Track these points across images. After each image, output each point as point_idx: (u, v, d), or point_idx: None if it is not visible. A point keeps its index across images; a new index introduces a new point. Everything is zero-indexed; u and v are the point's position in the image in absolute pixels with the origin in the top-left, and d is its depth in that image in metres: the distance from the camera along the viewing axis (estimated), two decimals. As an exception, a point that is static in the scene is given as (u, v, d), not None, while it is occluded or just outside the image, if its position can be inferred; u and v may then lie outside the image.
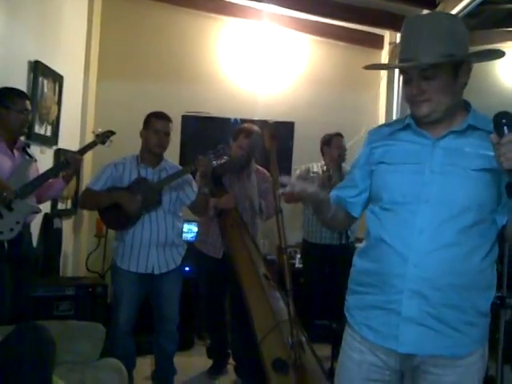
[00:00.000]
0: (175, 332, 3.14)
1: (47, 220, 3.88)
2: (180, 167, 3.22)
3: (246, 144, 3.46)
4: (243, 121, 4.72)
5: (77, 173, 3.13)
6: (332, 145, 4.08)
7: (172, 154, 4.35)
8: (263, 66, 4.94)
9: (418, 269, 1.43)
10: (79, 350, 2.34)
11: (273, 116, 4.75)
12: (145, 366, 3.37)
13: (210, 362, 3.73)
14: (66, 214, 4.38)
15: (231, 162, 3.45)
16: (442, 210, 1.44)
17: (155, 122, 3.05)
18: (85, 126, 4.71)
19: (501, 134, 1.26)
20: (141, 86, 4.89)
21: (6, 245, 2.74)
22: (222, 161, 3.05)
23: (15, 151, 2.91)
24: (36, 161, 3.07)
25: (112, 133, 3.17)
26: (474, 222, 1.43)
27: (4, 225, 2.72)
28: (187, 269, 3.91)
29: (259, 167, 3.63)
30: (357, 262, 1.66)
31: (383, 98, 4.88)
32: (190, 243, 3.62)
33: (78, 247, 4.62)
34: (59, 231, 4.08)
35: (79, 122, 4.67)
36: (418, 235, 1.44)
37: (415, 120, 1.51)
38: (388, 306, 1.48)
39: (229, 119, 4.82)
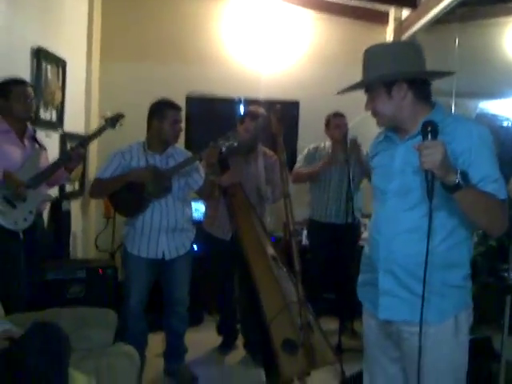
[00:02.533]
0: (185, 313, 3.22)
1: (56, 203, 3.92)
2: (186, 152, 3.24)
3: (252, 127, 3.47)
4: (247, 100, 4.73)
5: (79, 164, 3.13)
6: (330, 125, 4.08)
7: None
8: (267, 44, 4.90)
9: (386, 251, 1.74)
10: (92, 337, 2.39)
11: (278, 95, 4.75)
12: (156, 342, 3.43)
13: (219, 339, 3.81)
14: (73, 195, 4.42)
15: (238, 145, 3.46)
16: (402, 202, 1.72)
17: (171, 113, 3.05)
18: (89, 109, 4.72)
19: (424, 139, 1.51)
20: (144, 68, 4.87)
21: (21, 234, 2.80)
22: (230, 146, 3.05)
23: (25, 140, 2.94)
24: (46, 149, 3.10)
25: (121, 116, 3.16)
26: (427, 211, 1.61)
27: (18, 215, 2.76)
28: (195, 247, 3.97)
29: (266, 149, 3.64)
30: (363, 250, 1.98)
31: (388, 74, 4.84)
32: (197, 222, 3.68)
33: (87, 228, 4.68)
34: (68, 214, 4.13)
35: (83, 105, 4.68)
36: (386, 223, 1.76)
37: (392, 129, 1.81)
38: (372, 282, 1.81)
39: (233, 100, 4.78)
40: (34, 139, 3.02)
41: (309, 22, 4.96)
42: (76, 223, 4.43)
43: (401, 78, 1.68)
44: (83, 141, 3.16)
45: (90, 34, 4.66)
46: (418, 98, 1.72)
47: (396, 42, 1.83)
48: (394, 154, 1.77)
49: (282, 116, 3.12)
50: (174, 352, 3.25)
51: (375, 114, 1.76)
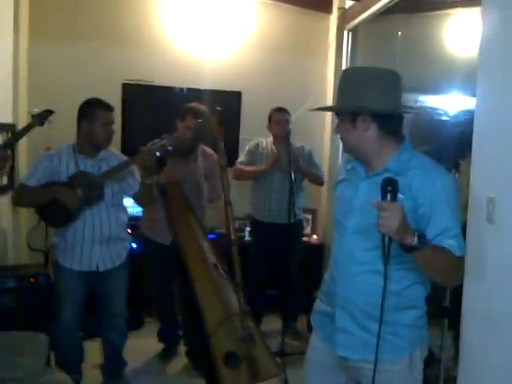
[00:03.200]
0: (123, 326, 3.09)
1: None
2: (120, 155, 3.05)
3: (193, 125, 3.32)
4: (189, 90, 4.55)
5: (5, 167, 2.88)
6: (272, 120, 3.99)
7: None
8: (209, 30, 4.66)
9: (343, 289, 1.74)
10: (22, 364, 2.24)
11: (219, 85, 4.59)
12: (93, 350, 3.29)
13: (161, 344, 3.71)
14: (1, 191, 4.14)
15: (177, 146, 3.31)
16: (361, 241, 1.70)
17: (102, 114, 2.84)
18: (17, 94, 4.37)
19: (383, 199, 1.46)
20: (78, 51, 4.54)
21: None
22: (166, 149, 2.88)
23: None
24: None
25: (50, 112, 2.95)
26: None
27: None
28: (134, 245, 3.82)
29: (206, 148, 3.51)
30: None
31: (332, 64, 4.77)
32: (135, 218, 3.52)
33: (17, 225, 4.40)
34: (-5, 213, 3.87)
35: (11, 92, 4.33)
36: (344, 261, 1.74)
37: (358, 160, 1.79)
38: (329, 316, 1.80)
39: (172, 88, 4.58)
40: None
41: (252, 7, 4.76)
42: (6, 221, 4.15)
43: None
44: (7, 142, 2.92)
45: (16, 11, 4.27)
46: (384, 132, 1.69)
47: (376, 70, 1.71)
48: (357, 188, 1.75)
49: (224, 120, 3.01)
50: (112, 367, 3.13)
51: (341, 139, 1.77)
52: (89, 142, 2.88)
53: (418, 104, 4.95)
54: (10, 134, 4.15)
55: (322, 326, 1.86)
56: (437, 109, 5.00)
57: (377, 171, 1.69)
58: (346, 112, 1.70)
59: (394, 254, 1.59)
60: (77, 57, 4.55)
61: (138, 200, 3.05)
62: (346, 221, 1.74)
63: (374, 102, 1.65)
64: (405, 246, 1.48)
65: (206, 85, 4.51)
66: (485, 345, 2.12)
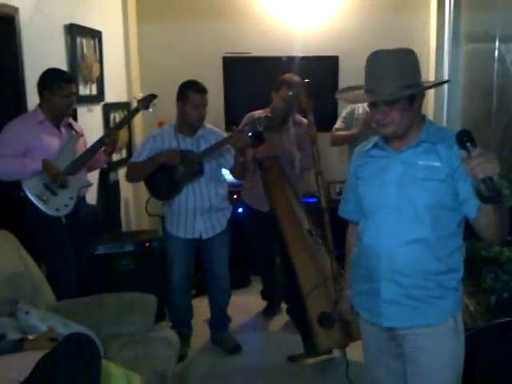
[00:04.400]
0: (227, 286, 3.36)
1: (103, 175, 4.09)
2: (218, 132, 3.25)
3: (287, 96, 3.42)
4: (286, 58, 4.62)
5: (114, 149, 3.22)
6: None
7: (216, 100, 4.39)
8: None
9: (388, 262, 1.76)
10: (133, 322, 2.55)
11: (316, 51, 4.61)
12: (204, 307, 3.59)
13: (265, 302, 3.97)
14: (122, 163, 4.57)
15: (271, 117, 3.45)
16: (401, 214, 1.74)
17: (193, 97, 3.05)
18: (130, 74, 4.76)
19: (467, 150, 1.45)
20: (180, 29, 4.81)
21: (63, 220, 2.97)
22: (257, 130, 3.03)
23: (62, 128, 3.05)
24: (83, 135, 3.20)
25: (154, 96, 3.24)
26: (429, 222, 1.72)
27: (59, 202, 2.92)
28: (240, 210, 4.08)
29: (297, 117, 3.60)
30: (352, 259, 1.99)
31: (433, 21, 4.57)
32: (239, 185, 3.76)
33: (137, 194, 4.85)
34: (116, 184, 4.30)
35: (124, 72, 4.72)
36: (386, 235, 1.77)
37: (384, 137, 1.80)
38: (372, 292, 1.83)
39: (269, 58, 4.66)
40: (70, 126, 3.12)
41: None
42: (127, 190, 4.60)
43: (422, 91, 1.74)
44: (116, 125, 3.26)
45: (124, 1, 4.61)
46: (420, 108, 1.77)
47: (401, 50, 1.71)
48: (388, 166, 1.78)
49: (312, 92, 3.08)
50: (218, 323, 3.44)
51: (388, 123, 1.71)
52: (184, 121, 3.11)
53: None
54: (126, 112, 4.57)
55: (365, 306, 1.90)
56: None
57: (411, 145, 1.74)
58: (406, 95, 1.67)
59: (435, 224, 1.71)
60: (180, 34, 4.83)
61: (233, 173, 3.27)
62: (382, 197, 1.78)
63: (419, 78, 1.72)
64: (486, 194, 1.44)
65: (302, 52, 4.56)
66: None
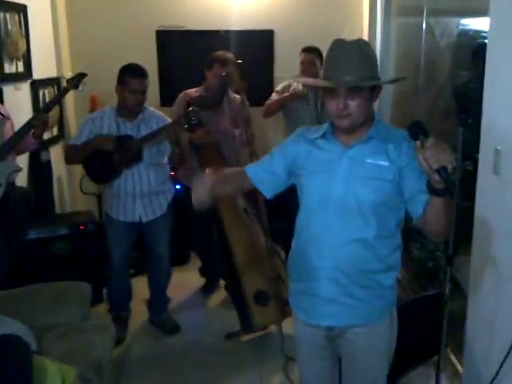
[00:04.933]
0: (167, 267, 3.40)
1: (34, 155, 3.95)
2: (159, 115, 3.20)
3: (221, 73, 3.40)
4: (221, 32, 4.56)
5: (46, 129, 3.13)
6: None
7: (150, 75, 4.26)
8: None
9: (330, 261, 1.74)
10: (67, 312, 2.53)
11: (251, 25, 4.57)
12: (142, 286, 3.57)
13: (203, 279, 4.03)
14: (53, 141, 4.44)
15: (207, 95, 3.43)
16: (346, 212, 1.71)
17: (131, 82, 2.98)
18: (59, 48, 4.56)
19: (421, 141, 1.45)
20: (111, 0, 4.64)
21: (-9, 206, 2.87)
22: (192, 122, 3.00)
23: (-13, 113, 2.92)
24: (9, 119, 3.07)
25: (83, 75, 3.14)
26: (373, 221, 1.70)
27: (-14, 188, 2.82)
28: (178, 187, 4.06)
29: (233, 94, 3.59)
30: (290, 256, 1.93)
31: (366, -7, 4.61)
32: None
33: (71, 171, 4.73)
34: (48, 164, 4.17)
35: (52, 46, 4.52)
36: (329, 233, 1.73)
37: (332, 128, 1.76)
38: (311, 291, 1.80)
39: (204, 31, 4.58)
40: (-4, 110, 2.99)
41: None
42: (59, 168, 4.48)
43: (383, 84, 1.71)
44: (45, 107, 3.13)
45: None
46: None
47: (362, 41, 1.69)
48: (335, 161, 1.72)
49: (246, 73, 3.08)
50: (157, 304, 3.47)
51: (346, 115, 1.64)
52: (123, 105, 3.06)
53: (460, 28, 4.73)
54: (56, 88, 4.41)
55: (302, 305, 1.86)
56: (480, 31, 4.76)
57: (360, 140, 1.71)
58: (368, 85, 1.64)
59: (379, 224, 1.70)
60: (112, 6, 4.64)
61: (170, 162, 3.25)
62: (327, 193, 1.72)
63: (377, 71, 1.68)
64: (437, 186, 1.45)
65: (237, 26, 4.51)
66: (492, 293, 2.22)
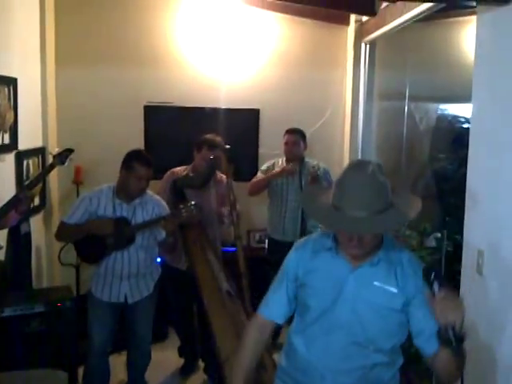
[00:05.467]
0: (148, 348, 3.32)
1: (13, 227, 3.88)
2: (156, 200, 3.21)
3: (209, 156, 3.45)
4: (208, 109, 4.66)
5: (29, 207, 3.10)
6: (284, 141, 4.04)
7: (137, 146, 4.31)
8: (226, 48, 4.73)
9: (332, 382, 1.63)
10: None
11: (238, 103, 4.68)
12: (120, 365, 3.49)
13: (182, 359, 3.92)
14: (35, 211, 4.38)
15: (194, 176, 3.46)
16: (353, 336, 1.62)
17: (139, 169, 3.00)
18: (46, 119, 4.58)
19: (433, 290, 1.41)
20: (102, 75, 4.71)
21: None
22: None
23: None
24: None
25: (71, 151, 3.16)
26: (384, 349, 1.63)
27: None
28: (159, 260, 4.01)
29: (220, 175, 3.63)
30: (283, 369, 1.81)
31: (350, 77, 4.78)
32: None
33: (50, 242, 4.66)
34: (28, 236, 4.10)
35: (40, 118, 4.55)
36: (334, 357, 1.64)
37: (337, 243, 1.67)
38: None
39: (192, 108, 4.67)
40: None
41: (270, 23, 4.79)
42: (39, 239, 4.41)
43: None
44: (30, 183, 3.12)
45: (42, 44, 4.45)
46: None
47: (375, 172, 1.55)
48: (342, 280, 1.64)
49: (232, 157, 3.14)
50: (135, 387, 3.35)
51: (361, 246, 1.58)
52: (124, 188, 3.06)
53: (439, 112, 4.92)
54: (40, 158, 4.41)
55: None
56: (458, 117, 4.96)
57: (369, 262, 1.63)
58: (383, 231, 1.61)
59: (387, 351, 1.63)
60: (101, 81, 4.72)
61: (160, 247, 3.26)
62: (332, 314, 1.63)
63: (390, 198, 1.60)
64: (448, 337, 1.39)
65: (224, 104, 4.62)
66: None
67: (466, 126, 4.90)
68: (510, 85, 2.08)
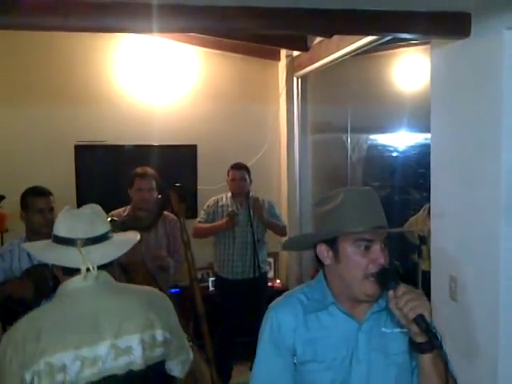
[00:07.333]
0: None
1: None
2: None
3: (143, 185, 3.35)
4: (139, 146, 4.50)
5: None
6: (229, 177, 4.00)
7: (67, 192, 4.07)
8: (158, 85, 4.63)
9: None
10: None
11: (174, 140, 4.57)
12: None
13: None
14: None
15: (143, 216, 3.29)
16: None
17: (34, 201, 2.77)
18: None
19: (392, 289, 1.29)
20: (29, 113, 4.39)
21: None
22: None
23: None
24: None
25: (1, 197, 2.92)
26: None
27: None
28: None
29: (167, 214, 3.48)
30: None
31: (284, 110, 4.84)
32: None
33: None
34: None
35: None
36: None
37: (335, 299, 1.43)
38: None
39: (125, 146, 4.51)
40: None
41: (199, 58, 4.73)
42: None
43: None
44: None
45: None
46: None
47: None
48: (350, 340, 1.42)
49: (184, 195, 3.02)
50: None
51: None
52: (31, 231, 2.80)
53: (369, 143, 5.09)
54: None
55: None
56: (387, 146, 5.17)
57: (374, 308, 1.44)
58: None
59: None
60: (29, 120, 4.41)
61: None
62: (346, 381, 1.41)
63: None
64: (419, 341, 1.29)
65: (160, 141, 4.48)
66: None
67: (394, 154, 5.13)
68: (465, 111, 2.16)
